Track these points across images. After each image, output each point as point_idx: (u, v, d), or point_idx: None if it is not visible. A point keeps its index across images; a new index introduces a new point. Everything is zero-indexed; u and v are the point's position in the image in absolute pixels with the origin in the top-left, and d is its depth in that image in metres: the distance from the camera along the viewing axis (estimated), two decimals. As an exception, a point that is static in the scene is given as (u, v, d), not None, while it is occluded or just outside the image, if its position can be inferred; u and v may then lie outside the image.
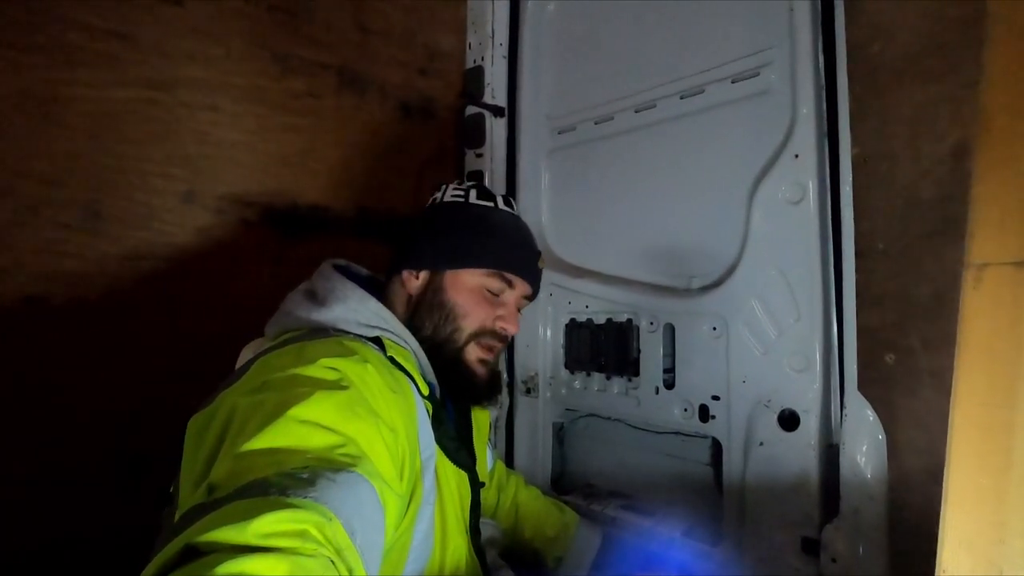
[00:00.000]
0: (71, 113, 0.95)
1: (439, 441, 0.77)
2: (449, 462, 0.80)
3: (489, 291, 0.88)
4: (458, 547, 0.80)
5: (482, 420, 1.04)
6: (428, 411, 0.76)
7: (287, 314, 0.80)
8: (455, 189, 0.93)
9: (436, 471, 0.76)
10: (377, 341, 0.77)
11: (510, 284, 0.90)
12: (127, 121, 1.00)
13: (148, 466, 1.01)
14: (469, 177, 1.43)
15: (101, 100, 0.98)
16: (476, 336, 0.87)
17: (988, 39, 0.43)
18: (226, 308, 1.11)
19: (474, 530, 0.86)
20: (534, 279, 0.94)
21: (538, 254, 0.95)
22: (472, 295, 0.87)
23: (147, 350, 1.03)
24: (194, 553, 0.39)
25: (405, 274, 0.88)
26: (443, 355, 0.85)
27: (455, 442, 0.82)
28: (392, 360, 0.75)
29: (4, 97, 0.90)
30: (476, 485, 0.87)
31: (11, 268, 0.92)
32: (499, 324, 0.89)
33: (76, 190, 0.96)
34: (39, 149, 0.93)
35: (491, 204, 0.92)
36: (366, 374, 0.65)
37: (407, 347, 0.81)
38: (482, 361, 0.89)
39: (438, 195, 0.94)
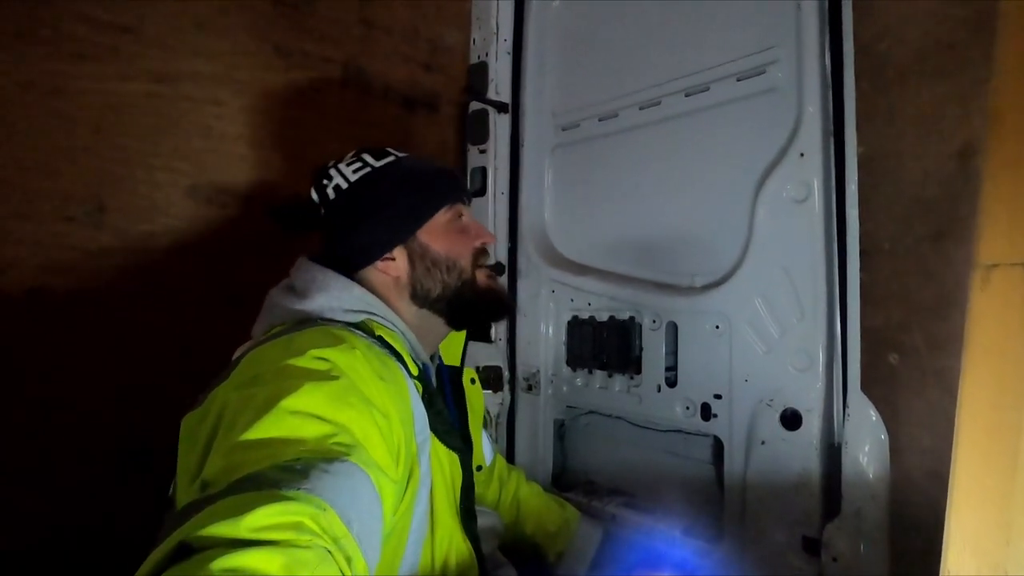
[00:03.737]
0: (75, 106, 0.95)
1: (431, 423, 0.77)
2: (440, 444, 0.80)
3: (452, 223, 0.89)
4: (447, 529, 0.79)
5: (477, 404, 1.03)
6: (419, 390, 0.76)
7: (271, 311, 0.80)
8: (349, 164, 0.86)
9: (429, 453, 0.76)
10: (364, 327, 0.77)
11: (460, 208, 0.91)
12: (131, 114, 1.00)
13: (150, 460, 1.01)
14: (472, 174, 1.43)
15: (105, 93, 0.98)
16: (474, 264, 0.89)
17: (999, 39, 0.43)
18: (229, 302, 1.10)
19: (466, 512, 0.84)
20: (468, 193, 0.96)
21: (453, 170, 0.96)
22: (449, 235, 0.88)
23: (149, 343, 1.03)
24: (189, 550, 0.39)
25: (380, 266, 0.85)
26: (463, 296, 0.87)
27: (446, 424, 0.82)
28: (381, 340, 0.75)
29: (9, 89, 0.90)
30: (468, 467, 0.86)
31: (14, 260, 0.92)
32: (479, 242, 0.90)
33: (80, 183, 0.96)
34: (43, 142, 0.93)
35: (392, 158, 0.88)
36: (356, 362, 0.65)
37: (395, 328, 0.81)
38: (489, 277, 0.92)
39: (336, 180, 0.86)
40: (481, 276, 0.90)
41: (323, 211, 0.87)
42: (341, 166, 0.87)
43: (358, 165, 0.86)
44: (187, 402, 0.66)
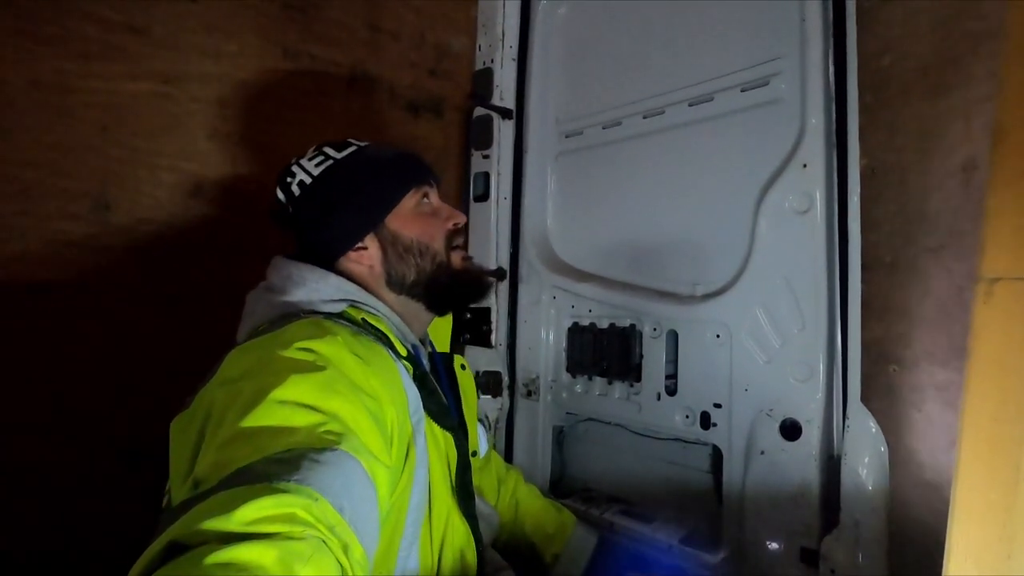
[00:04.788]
0: (83, 105, 0.96)
1: (424, 403, 0.76)
2: (435, 424, 0.79)
3: (420, 207, 0.88)
4: (444, 506, 0.79)
5: (469, 390, 1.02)
6: (409, 371, 0.76)
7: (252, 313, 0.80)
8: (311, 159, 0.86)
9: (425, 433, 0.75)
10: (346, 315, 0.77)
11: (426, 191, 0.89)
12: (138, 114, 1.01)
13: (149, 459, 1.01)
14: (475, 179, 1.43)
15: (113, 93, 0.98)
16: (447, 246, 0.89)
17: (1003, 54, 0.43)
18: (231, 303, 1.10)
19: (463, 491, 0.83)
20: (434, 175, 0.92)
21: (416, 154, 0.93)
22: (418, 219, 0.87)
23: (151, 342, 1.03)
24: (181, 548, 0.39)
25: (352, 256, 0.84)
26: (439, 280, 0.87)
27: (440, 404, 0.82)
28: (366, 323, 0.74)
29: (17, 87, 0.91)
30: (464, 448, 0.85)
31: (19, 257, 0.92)
32: (450, 224, 0.89)
33: (85, 181, 0.97)
34: (50, 140, 0.94)
35: (354, 147, 0.87)
36: (340, 351, 0.64)
37: (378, 313, 0.81)
38: (464, 259, 0.91)
39: (300, 176, 0.85)
40: (456, 258, 0.89)
41: (290, 209, 0.86)
42: (303, 161, 0.86)
43: (320, 159, 0.85)
44: (187, 402, 0.66)
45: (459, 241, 0.92)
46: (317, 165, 0.85)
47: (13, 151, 0.91)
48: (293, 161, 0.87)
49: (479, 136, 1.42)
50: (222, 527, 0.39)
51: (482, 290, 0.95)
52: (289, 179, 0.86)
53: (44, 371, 0.95)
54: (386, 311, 0.83)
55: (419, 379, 0.77)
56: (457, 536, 0.80)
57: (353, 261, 0.84)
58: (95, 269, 0.98)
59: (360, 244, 0.84)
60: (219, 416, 0.55)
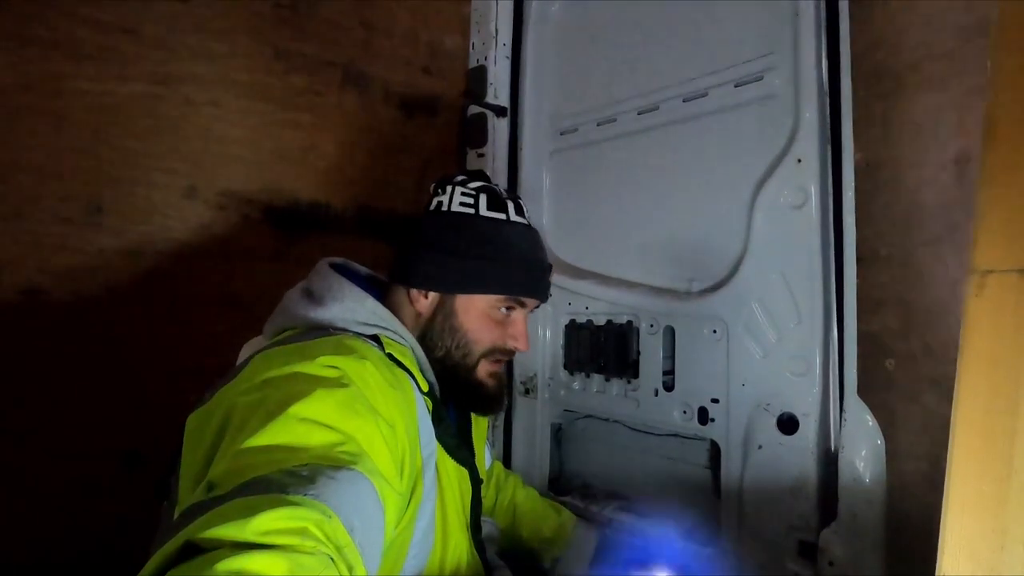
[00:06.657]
0: (75, 107, 0.95)
1: (439, 438, 0.77)
2: (449, 459, 0.80)
3: (495, 312, 0.88)
4: (459, 543, 0.80)
5: (481, 417, 1.03)
6: (428, 407, 0.77)
7: (285, 312, 0.80)
8: (463, 195, 0.87)
9: (437, 468, 0.76)
10: (375, 339, 0.77)
11: (522, 304, 0.90)
12: (130, 116, 1.01)
13: (145, 460, 1.01)
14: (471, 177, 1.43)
15: (105, 95, 0.98)
16: (487, 355, 0.87)
17: (994, 46, 0.43)
18: (225, 304, 1.11)
19: (475, 527, 0.86)
20: (544, 293, 0.93)
21: (549, 268, 0.94)
22: (484, 320, 0.87)
23: (146, 344, 1.03)
24: (194, 550, 0.39)
25: (413, 293, 0.86)
26: (456, 375, 0.86)
27: (455, 439, 0.83)
28: (391, 357, 0.75)
29: (8, 90, 0.90)
30: (476, 482, 0.87)
31: (12, 261, 0.92)
32: (510, 343, 0.89)
33: (78, 184, 0.96)
34: (42, 143, 0.93)
35: (503, 216, 0.88)
36: (365, 372, 0.65)
37: (405, 344, 0.81)
38: (491, 375, 0.89)
39: (443, 199, 0.88)
40: (484, 367, 0.88)
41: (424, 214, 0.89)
42: (457, 190, 0.87)
43: (468, 201, 0.87)
44: (183, 401, 0.66)
45: (499, 358, 0.90)
46: (462, 206, 0.86)
47: (5, 154, 0.91)
48: (456, 179, 0.89)
49: (474, 134, 1.42)
50: (237, 534, 0.40)
51: (485, 406, 0.92)
52: (439, 194, 0.88)
53: (41, 373, 0.94)
54: (412, 342, 0.82)
55: (436, 415, 0.78)
56: (469, 568, 0.82)
57: (412, 297, 0.86)
58: (89, 271, 0.98)
59: (425, 291, 0.85)
60: (239, 422, 0.55)
